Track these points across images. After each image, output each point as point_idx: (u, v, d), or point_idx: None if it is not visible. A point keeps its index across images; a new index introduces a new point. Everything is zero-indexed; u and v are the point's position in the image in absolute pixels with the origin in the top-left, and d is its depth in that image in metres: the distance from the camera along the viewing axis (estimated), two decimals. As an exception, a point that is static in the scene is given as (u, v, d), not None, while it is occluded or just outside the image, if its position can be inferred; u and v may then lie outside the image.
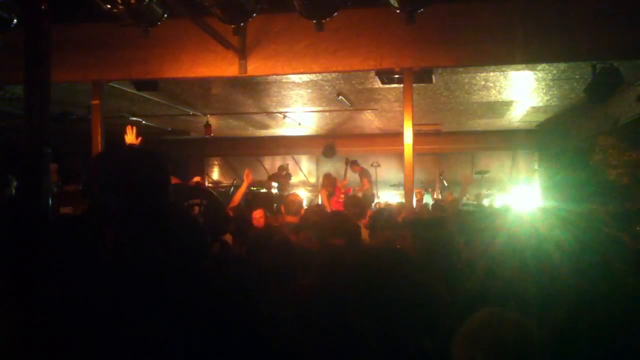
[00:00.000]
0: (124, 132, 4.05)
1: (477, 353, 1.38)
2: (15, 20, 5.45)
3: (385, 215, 5.75)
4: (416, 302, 2.39)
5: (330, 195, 9.30)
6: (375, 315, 2.07)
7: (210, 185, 14.23)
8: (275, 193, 11.77)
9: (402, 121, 6.30)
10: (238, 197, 6.51)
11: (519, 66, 6.96)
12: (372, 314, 2.18)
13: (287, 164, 14.02)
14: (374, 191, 11.84)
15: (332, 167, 13.47)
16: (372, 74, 6.90)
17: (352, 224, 4.03)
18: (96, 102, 6.68)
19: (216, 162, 16.43)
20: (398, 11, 4.98)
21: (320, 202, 9.41)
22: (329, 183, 9.59)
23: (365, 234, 4.95)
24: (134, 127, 4.11)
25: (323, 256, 3.34)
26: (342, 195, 10.11)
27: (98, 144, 6.52)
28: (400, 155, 6.49)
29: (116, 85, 7.35)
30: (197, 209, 5.17)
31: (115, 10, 4.05)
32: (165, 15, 5.05)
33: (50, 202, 3.48)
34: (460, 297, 2.25)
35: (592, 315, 1.72)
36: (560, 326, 1.70)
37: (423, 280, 2.71)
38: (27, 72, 3.72)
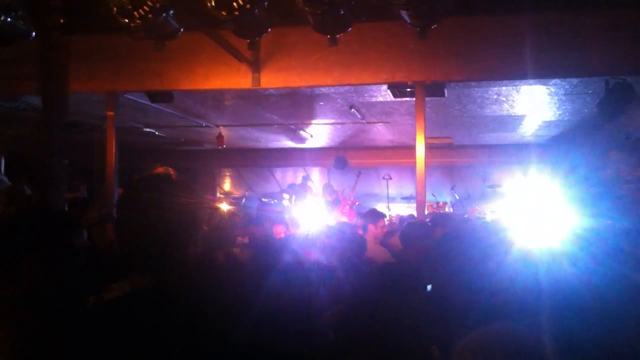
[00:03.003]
0: None
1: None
2: (33, 32, 5.55)
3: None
4: (428, 315, 2.39)
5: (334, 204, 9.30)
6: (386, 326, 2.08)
7: (221, 196, 14.29)
8: (287, 205, 11.74)
9: (414, 134, 6.31)
10: None
11: (531, 81, 6.95)
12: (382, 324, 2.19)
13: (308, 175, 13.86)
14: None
15: (343, 179, 13.44)
16: (384, 87, 6.93)
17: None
18: (111, 113, 6.73)
19: (228, 173, 16.51)
20: (411, 26, 4.99)
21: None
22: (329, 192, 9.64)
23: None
24: None
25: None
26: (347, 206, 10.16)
27: (112, 155, 6.58)
28: (411, 168, 6.48)
29: (130, 97, 7.43)
30: None
31: (132, 25, 4.10)
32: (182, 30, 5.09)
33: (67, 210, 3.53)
34: (472, 311, 2.25)
35: (607, 331, 1.71)
36: (574, 342, 1.69)
37: (434, 293, 2.71)
38: (45, 83, 3.79)
